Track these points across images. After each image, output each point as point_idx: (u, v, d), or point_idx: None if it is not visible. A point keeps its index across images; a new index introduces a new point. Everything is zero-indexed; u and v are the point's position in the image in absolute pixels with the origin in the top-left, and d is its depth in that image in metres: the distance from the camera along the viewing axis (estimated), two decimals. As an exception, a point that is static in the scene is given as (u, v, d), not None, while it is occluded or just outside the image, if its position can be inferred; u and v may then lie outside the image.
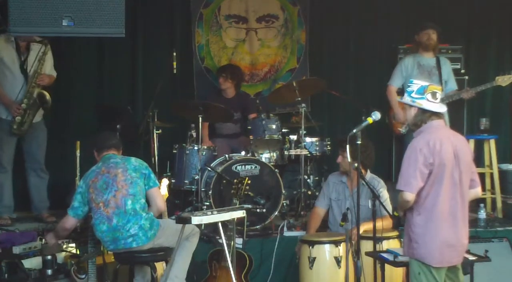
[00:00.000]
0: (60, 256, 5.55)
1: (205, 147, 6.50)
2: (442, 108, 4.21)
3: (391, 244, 5.08)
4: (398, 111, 6.58)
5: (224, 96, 7.17)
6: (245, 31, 7.75)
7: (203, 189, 6.24)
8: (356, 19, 7.92)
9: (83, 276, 5.19)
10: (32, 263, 5.38)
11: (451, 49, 7.45)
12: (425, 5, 7.81)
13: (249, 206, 5.71)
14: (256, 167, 6.21)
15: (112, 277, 5.07)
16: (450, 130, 4.31)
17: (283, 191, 6.24)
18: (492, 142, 6.97)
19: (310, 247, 5.18)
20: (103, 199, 4.82)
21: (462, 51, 7.54)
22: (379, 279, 4.65)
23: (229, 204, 5.33)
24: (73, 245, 5.70)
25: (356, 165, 4.77)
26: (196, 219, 4.59)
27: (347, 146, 4.59)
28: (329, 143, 6.78)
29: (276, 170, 6.26)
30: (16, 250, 5.36)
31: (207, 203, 6.10)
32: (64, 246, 5.64)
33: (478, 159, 6.05)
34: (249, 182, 5.29)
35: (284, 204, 6.34)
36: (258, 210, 6.01)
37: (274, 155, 6.57)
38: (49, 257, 5.35)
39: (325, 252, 5.18)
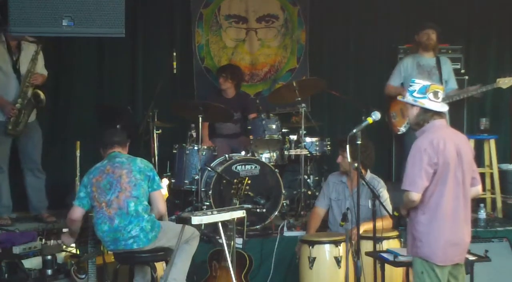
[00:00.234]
0: (60, 256, 5.55)
1: (205, 147, 6.50)
2: (444, 108, 4.22)
3: (391, 244, 5.08)
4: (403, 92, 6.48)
5: (224, 96, 7.17)
6: (245, 31, 7.75)
7: (203, 189, 6.24)
8: (356, 19, 7.92)
9: (83, 276, 5.19)
10: (32, 263, 5.39)
11: (451, 49, 7.44)
12: (425, 5, 7.81)
13: (249, 206, 5.70)
14: (256, 167, 6.21)
15: (112, 277, 5.07)
16: (452, 130, 4.33)
17: (283, 191, 6.24)
18: (492, 142, 6.97)
19: (310, 247, 5.18)
20: (106, 199, 4.81)
21: (462, 51, 7.54)
22: (379, 279, 4.65)
23: (229, 204, 5.33)
24: (73, 245, 5.71)
25: (356, 165, 4.76)
26: (196, 219, 4.59)
27: (347, 146, 4.59)
28: (329, 143, 6.78)
29: (276, 170, 6.26)
30: (16, 250, 5.36)
31: (207, 203, 6.10)
32: (64, 246, 5.64)
33: (478, 159, 6.04)
34: (249, 182, 5.29)
35: (284, 204, 6.34)
36: (258, 210, 6.01)
37: (274, 155, 6.57)
38: (49, 257, 5.36)
39: (325, 252, 5.18)
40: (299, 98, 6.49)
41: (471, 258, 4.42)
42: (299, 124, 6.52)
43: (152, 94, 6.59)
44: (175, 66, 6.66)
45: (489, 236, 6.02)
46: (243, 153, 6.42)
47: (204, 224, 4.85)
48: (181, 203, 6.48)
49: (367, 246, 4.92)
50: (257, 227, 6.13)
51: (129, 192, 4.80)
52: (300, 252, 5.34)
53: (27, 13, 4.65)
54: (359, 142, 4.62)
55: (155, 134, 6.53)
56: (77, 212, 4.93)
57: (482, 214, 6.30)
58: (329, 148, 6.76)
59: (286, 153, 6.57)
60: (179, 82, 7.53)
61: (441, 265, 4.09)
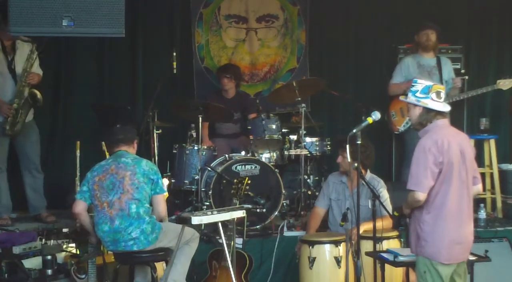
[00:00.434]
0: (60, 256, 5.56)
1: (205, 147, 6.50)
2: (446, 108, 4.25)
3: (391, 244, 5.08)
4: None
5: (224, 96, 7.17)
6: (245, 31, 7.75)
7: (203, 189, 6.24)
8: (356, 19, 7.92)
9: (83, 276, 5.20)
10: (32, 263, 5.39)
11: (451, 49, 7.45)
12: (425, 5, 7.81)
13: (249, 206, 5.70)
14: (256, 167, 6.21)
15: (112, 277, 5.07)
16: (454, 129, 4.34)
17: (283, 191, 6.24)
18: (492, 142, 6.98)
19: (310, 247, 5.17)
20: (108, 199, 4.79)
21: (462, 51, 7.54)
22: (379, 279, 4.65)
23: (229, 204, 5.33)
24: (73, 245, 5.71)
25: (356, 165, 4.77)
26: (196, 219, 4.59)
27: (347, 146, 4.60)
28: (329, 143, 6.78)
29: (276, 170, 6.26)
30: (16, 250, 5.37)
31: (207, 203, 6.10)
32: (64, 246, 5.64)
33: (478, 159, 6.02)
34: (249, 182, 5.29)
35: (284, 204, 6.34)
36: (258, 210, 6.00)
37: (274, 155, 6.57)
38: (49, 257, 5.36)
39: (325, 252, 5.18)
40: (299, 98, 6.49)
41: (471, 258, 4.42)
42: (299, 124, 6.52)
43: (152, 94, 6.58)
44: (175, 66, 6.66)
45: (489, 236, 6.02)
46: (243, 153, 6.42)
47: (204, 224, 4.85)
48: (181, 203, 6.48)
49: (367, 246, 4.92)
50: (257, 227, 6.13)
51: (131, 194, 4.77)
52: (300, 252, 5.34)
53: (27, 13, 4.65)
54: (359, 142, 4.62)
55: (155, 134, 6.53)
56: (79, 205, 4.91)
57: (482, 214, 6.30)
58: (329, 148, 6.76)
59: (286, 153, 6.56)
60: (179, 82, 7.52)
61: (446, 263, 4.10)
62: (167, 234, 4.88)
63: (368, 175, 5.52)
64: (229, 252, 4.84)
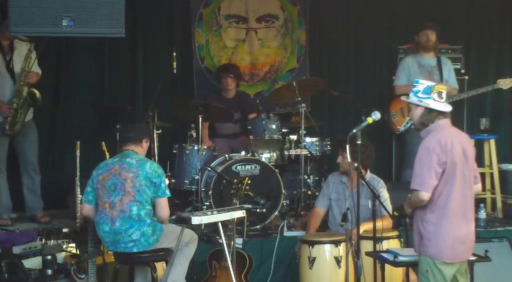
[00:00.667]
0: (60, 256, 5.56)
1: (205, 147, 6.50)
2: (448, 108, 4.26)
3: (391, 244, 5.08)
4: None
5: (225, 96, 7.17)
6: (245, 31, 7.75)
7: (203, 189, 6.24)
8: (356, 19, 7.92)
9: (83, 276, 5.20)
10: (32, 263, 5.39)
11: (451, 49, 7.45)
12: (425, 5, 7.81)
13: (249, 206, 5.71)
14: (256, 167, 6.21)
15: (112, 277, 5.07)
16: (455, 129, 4.36)
17: (283, 191, 6.24)
18: (492, 142, 6.98)
19: (310, 247, 5.17)
20: (110, 200, 4.78)
21: (462, 51, 7.54)
22: (379, 279, 4.65)
23: (229, 204, 5.33)
24: (73, 245, 5.71)
25: (356, 165, 4.77)
26: (196, 219, 4.59)
27: (347, 146, 4.60)
28: (329, 143, 6.78)
29: (276, 170, 6.26)
30: (16, 250, 5.37)
31: (207, 203, 6.10)
32: (64, 246, 5.64)
33: (478, 159, 6.03)
34: (249, 182, 5.28)
35: (284, 204, 6.34)
36: (258, 210, 6.00)
37: (274, 155, 6.57)
38: (49, 257, 5.36)
39: (325, 252, 5.18)
40: (299, 98, 6.49)
41: (471, 258, 4.42)
42: (299, 124, 6.52)
43: (152, 94, 6.58)
44: (175, 66, 6.66)
45: (489, 236, 6.03)
46: (243, 153, 6.42)
47: (204, 224, 4.86)
48: (181, 203, 6.48)
49: (367, 246, 4.92)
50: (257, 227, 6.13)
51: (133, 196, 4.76)
52: (300, 252, 5.33)
53: (27, 13, 4.65)
54: (359, 142, 4.62)
55: (155, 134, 6.53)
56: (84, 208, 4.95)
57: (482, 214, 6.30)
58: (329, 148, 6.76)
59: (286, 153, 6.56)
60: (179, 82, 7.52)
61: (449, 262, 4.12)
62: (168, 235, 4.87)
63: (368, 175, 5.52)
64: (229, 252, 4.84)
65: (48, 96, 6.88)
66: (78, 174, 5.68)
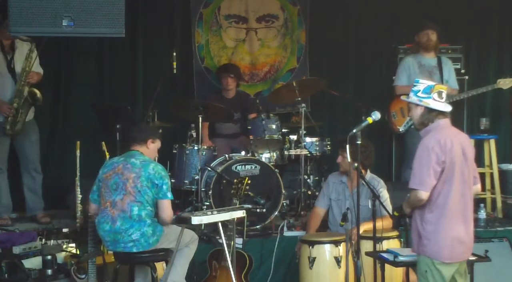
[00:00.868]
0: (60, 256, 5.56)
1: (205, 147, 6.50)
2: (448, 108, 4.26)
3: (391, 244, 5.08)
4: None
5: (225, 96, 7.17)
6: (245, 31, 7.75)
7: (203, 189, 6.24)
8: (356, 19, 7.92)
9: (83, 276, 5.20)
10: (32, 263, 5.39)
11: (451, 49, 7.45)
12: (425, 5, 7.81)
13: (249, 206, 5.70)
14: (256, 167, 6.21)
15: (112, 277, 5.07)
16: (455, 129, 4.36)
17: (283, 191, 6.24)
18: (492, 142, 6.98)
19: (310, 247, 5.17)
20: (111, 199, 4.79)
21: (462, 51, 7.54)
22: (379, 279, 4.65)
23: (229, 204, 5.33)
24: (73, 245, 5.71)
25: (356, 165, 4.77)
26: (196, 219, 4.59)
27: (347, 146, 4.61)
28: (329, 143, 6.78)
29: (276, 170, 6.26)
30: (16, 250, 5.37)
31: (207, 203, 6.10)
32: (64, 246, 5.64)
33: (478, 159, 6.05)
34: (249, 182, 5.29)
35: (284, 204, 6.34)
36: (258, 210, 6.00)
37: (274, 155, 6.57)
38: (49, 257, 5.36)
39: (325, 252, 5.18)
40: (299, 98, 6.49)
41: (471, 258, 4.43)
42: (299, 124, 6.52)
43: (152, 94, 6.58)
44: (175, 66, 6.66)
45: (489, 236, 6.03)
46: (243, 153, 6.42)
47: (204, 224, 4.85)
48: (181, 203, 6.47)
49: (367, 246, 4.92)
50: (257, 227, 6.13)
51: (134, 197, 4.76)
52: (300, 252, 5.33)
53: (27, 13, 4.65)
54: (359, 142, 4.62)
55: (155, 134, 6.52)
56: (91, 208, 4.98)
57: (482, 214, 6.30)
58: (329, 148, 6.76)
59: (286, 153, 6.57)
60: (179, 82, 7.52)
61: (448, 262, 4.11)
62: (168, 236, 4.87)
63: (368, 175, 5.52)
64: (229, 252, 4.84)
65: (48, 96, 6.87)
66: (78, 174, 5.69)
